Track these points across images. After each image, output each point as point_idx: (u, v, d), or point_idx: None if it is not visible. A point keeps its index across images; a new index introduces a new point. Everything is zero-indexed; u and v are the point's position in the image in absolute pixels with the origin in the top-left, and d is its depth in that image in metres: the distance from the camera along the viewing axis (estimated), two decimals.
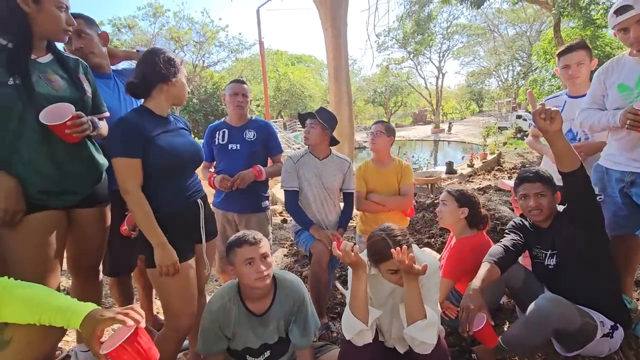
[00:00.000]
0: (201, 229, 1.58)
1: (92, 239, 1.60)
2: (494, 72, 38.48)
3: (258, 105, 29.46)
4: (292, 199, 2.29)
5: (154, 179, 1.44)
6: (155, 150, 1.42)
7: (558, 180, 2.02)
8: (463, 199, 2.03)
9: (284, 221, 5.18)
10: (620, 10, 1.67)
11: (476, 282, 1.62)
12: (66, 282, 2.27)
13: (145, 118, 1.45)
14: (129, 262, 1.91)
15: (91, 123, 1.42)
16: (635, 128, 1.58)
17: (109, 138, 1.47)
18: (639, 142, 1.70)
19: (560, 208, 1.80)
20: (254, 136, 2.35)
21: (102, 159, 1.58)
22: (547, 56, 13.07)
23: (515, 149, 13.23)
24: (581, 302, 1.61)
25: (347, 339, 1.44)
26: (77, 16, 1.72)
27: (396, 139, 2.73)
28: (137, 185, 1.39)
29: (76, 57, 1.54)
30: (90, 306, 1.09)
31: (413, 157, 12.05)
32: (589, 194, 1.64)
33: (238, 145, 2.32)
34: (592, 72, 2.21)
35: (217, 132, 2.37)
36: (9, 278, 1.10)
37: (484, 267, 1.71)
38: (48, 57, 1.41)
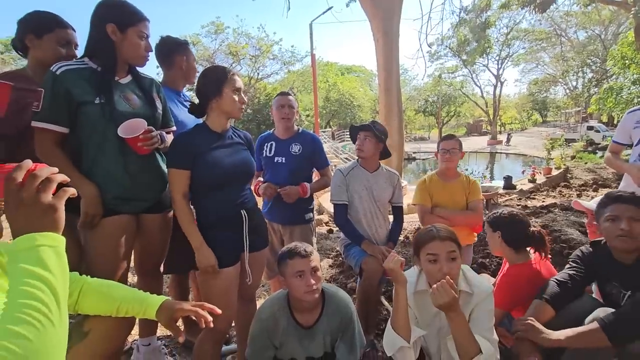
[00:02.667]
0: (245, 239, 1.64)
1: (157, 241, 1.75)
2: (560, 80, 35.42)
3: (308, 116, 30.17)
4: (342, 213, 2.28)
5: (201, 190, 1.57)
6: (201, 164, 1.55)
7: None
8: (495, 222, 1.90)
9: (330, 231, 5.19)
10: None
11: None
12: (131, 278, 2.48)
13: (201, 134, 1.59)
14: (186, 262, 2.04)
15: (160, 137, 1.58)
16: None
17: (168, 151, 1.62)
18: None
19: None
20: (299, 150, 2.38)
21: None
22: (626, 61, 11.75)
23: (586, 163, 11.96)
24: None
25: (389, 355, 1.41)
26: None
27: None
28: (182, 194, 1.54)
29: (151, 78, 1.72)
30: (163, 297, 1.22)
31: (466, 170, 11.44)
32: None
33: (283, 159, 2.36)
34: None
35: (266, 145, 2.44)
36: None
37: (533, 305, 1.58)
38: (128, 78, 1.61)
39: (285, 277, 1.52)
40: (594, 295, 1.77)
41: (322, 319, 1.55)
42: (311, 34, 12.21)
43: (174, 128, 1.83)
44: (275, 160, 2.37)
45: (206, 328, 1.58)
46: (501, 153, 22.81)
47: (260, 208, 2.41)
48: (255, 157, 1.86)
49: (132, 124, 1.48)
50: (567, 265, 1.73)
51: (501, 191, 7.77)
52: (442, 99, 35.25)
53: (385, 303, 2.60)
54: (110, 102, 1.46)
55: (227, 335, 2.25)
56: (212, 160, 1.56)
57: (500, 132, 32.94)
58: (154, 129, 1.53)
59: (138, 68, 1.66)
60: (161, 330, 2.20)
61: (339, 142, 20.30)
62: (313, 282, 1.45)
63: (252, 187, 2.35)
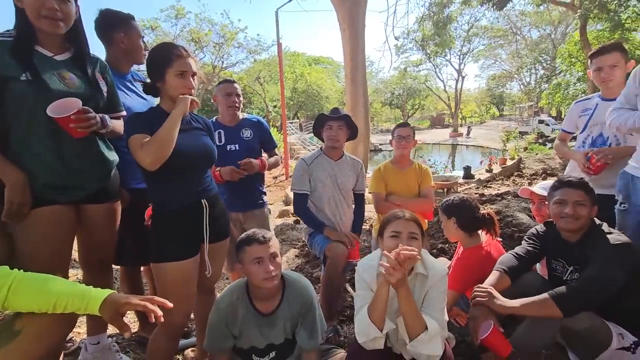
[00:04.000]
0: (205, 229, 1.57)
1: (101, 233, 1.62)
2: (515, 76, 37.55)
3: (275, 106, 29.74)
4: (302, 202, 2.27)
5: (157, 175, 1.44)
6: None
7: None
8: (448, 209, 1.99)
9: (297, 222, 5.18)
10: None
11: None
12: (78, 273, 2.32)
13: (157, 116, 1.47)
14: (138, 254, 1.92)
15: (101, 120, 1.44)
16: None
17: (125, 126, 1.49)
18: None
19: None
20: (250, 134, 2.34)
21: (112, 156, 1.60)
22: (573, 59, 12.65)
23: (537, 154, 12.82)
24: (604, 316, 1.51)
25: (360, 342, 1.42)
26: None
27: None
28: None
29: (97, 57, 1.58)
30: (108, 291, 1.12)
31: (429, 160, 11.85)
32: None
33: (236, 146, 2.30)
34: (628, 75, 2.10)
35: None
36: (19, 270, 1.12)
37: (493, 276, 1.67)
38: (65, 56, 1.45)
39: (243, 265, 1.48)
40: (538, 272, 1.90)
41: (282, 306, 1.53)
42: (277, 22, 11.93)
43: (123, 113, 1.69)
44: (228, 149, 2.30)
45: (161, 322, 1.52)
46: (462, 145, 23.84)
47: None
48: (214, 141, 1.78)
49: (64, 103, 1.33)
50: (524, 242, 1.84)
51: (461, 180, 8.14)
52: (407, 92, 36.20)
53: (350, 290, 2.64)
54: (37, 79, 1.32)
55: (187, 329, 2.17)
56: None
57: (461, 125, 34.38)
58: (90, 109, 1.39)
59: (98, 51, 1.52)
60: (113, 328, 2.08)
61: (307, 133, 20.18)
62: (272, 268, 1.42)
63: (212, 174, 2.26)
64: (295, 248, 4.03)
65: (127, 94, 1.87)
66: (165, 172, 1.46)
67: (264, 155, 2.46)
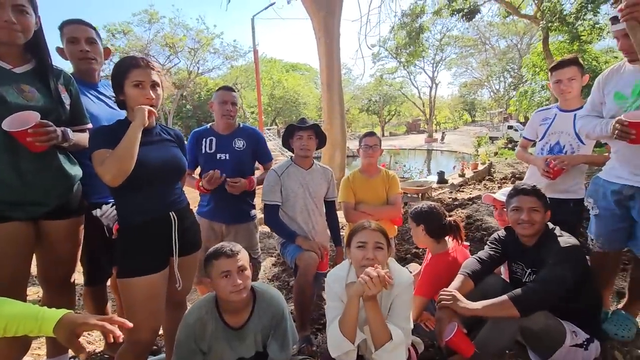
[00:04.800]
0: (174, 242, 1.54)
1: (62, 251, 1.56)
2: (485, 83, 39.16)
3: (252, 112, 29.51)
4: (272, 213, 2.26)
5: (124, 189, 1.41)
6: None
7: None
8: (417, 216, 2.03)
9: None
10: (612, 20, 1.70)
11: None
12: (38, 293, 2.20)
13: (123, 128, 1.43)
14: (106, 270, 1.87)
15: (62, 133, 1.39)
16: (624, 138, 1.56)
17: (88, 142, 1.44)
18: (634, 156, 1.68)
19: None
20: (243, 145, 2.29)
21: (74, 170, 1.54)
22: (537, 69, 13.33)
23: (506, 159, 13.36)
24: (559, 315, 1.60)
25: (333, 356, 1.44)
26: (89, 25, 1.81)
27: (390, 147, 2.77)
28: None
29: (60, 69, 1.53)
30: (63, 311, 1.07)
31: (405, 166, 12.10)
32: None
33: (227, 155, 2.25)
34: (584, 87, 2.25)
35: (204, 140, 2.29)
36: None
37: (457, 280, 1.74)
38: (25, 68, 1.40)
39: (211, 278, 1.46)
40: (502, 276, 1.98)
41: (252, 319, 1.52)
42: (253, 28, 11.93)
43: (89, 125, 1.63)
44: (218, 157, 2.25)
45: (128, 340, 1.47)
46: (437, 150, 24.52)
47: (195, 207, 2.29)
48: (187, 154, 1.75)
49: (21, 117, 1.28)
50: (486, 246, 1.93)
51: (435, 185, 8.35)
52: (383, 98, 36.91)
53: (325, 297, 2.64)
54: None
55: (156, 346, 2.11)
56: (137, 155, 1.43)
57: (436, 131, 35.40)
58: (49, 122, 1.34)
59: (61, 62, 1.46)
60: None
61: None
62: (240, 281, 1.41)
63: (195, 185, 2.20)
64: (272, 256, 4.00)
65: (94, 103, 1.82)
66: (133, 184, 1.42)
67: (259, 168, 2.43)
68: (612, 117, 1.68)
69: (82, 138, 1.54)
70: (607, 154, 2.12)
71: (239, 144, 2.29)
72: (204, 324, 1.48)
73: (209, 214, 2.28)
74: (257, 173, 2.47)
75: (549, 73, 2.30)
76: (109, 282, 2.04)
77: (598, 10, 10.81)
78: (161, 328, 1.70)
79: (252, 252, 2.33)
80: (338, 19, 7.26)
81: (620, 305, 2.05)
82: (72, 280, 1.67)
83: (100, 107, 1.84)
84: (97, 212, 1.69)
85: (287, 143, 2.39)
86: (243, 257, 1.47)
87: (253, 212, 2.41)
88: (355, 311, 1.37)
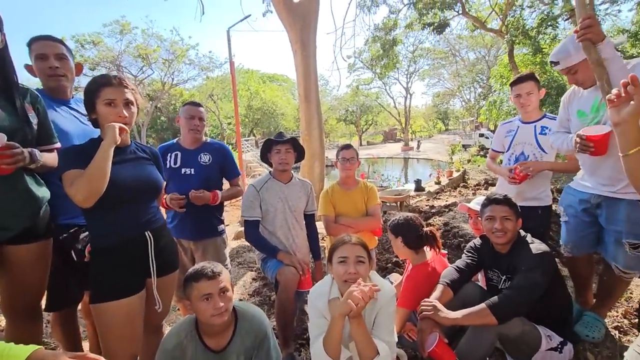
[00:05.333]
0: (151, 263, 1.49)
1: (29, 277, 1.47)
2: (457, 93, 40.69)
3: (230, 124, 29.23)
4: (253, 229, 2.23)
5: (96, 209, 1.36)
6: None
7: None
8: (395, 229, 2.08)
9: None
10: (551, 63, 1.87)
11: None
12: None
13: (96, 147, 1.39)
14: (72, 295, 1.76)
15: (30, 154, 1.34)
16: (585, 152, 1.72)
17: (58, 162, 1.40)
18: (599, 167, 1.81)
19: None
20: (209, 160, 2.28)
21: (42, 192, 1.48)
22: (503, 79, 14.00)
23: (479, 166, 13.87)
24: (534, 320, 1.67)
25: None
26: (59, 41, 1.75)
27: (368, 156, 2.81)
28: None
29: (27, 87, 1.47)
30: (32, 347, 0.98)
31: (383, 175, 12.30)
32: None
33: (192, 170, 2.23)
34: (542, 100, 2.40)
35: (169, 155, 2.26)
36: None
37: (438, 290, 1.79)
38: None
39: (191, 301, 1.42)
40: (479, 283, 2.04)
41: (234, 340, 1.48)
42: (229, 40, 11.90)
43: (57, 145, 1.57)
44: (183, 172, 2.22)
45: None
46: (413, 158, 25.10)
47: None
48: (162, 170, 1.71)
49: None
50: (463, 255, 1.99)
51: (412, 193, 8.52)
52: (360, 108, 37.54)
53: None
54: None
55: None
56: (110, 175, 1.38)
57: (411, 139, 36.28)
58: (16, 144, 1.28)
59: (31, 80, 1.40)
60: None
61: None
62: (222, 304, 1.38)
63: (159, 201, 2.15)
64: (252, 271, 3.93)
65: (65, 119, 1.75)
66: (106, 204, 1.38)
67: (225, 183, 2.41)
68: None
69: (50, 158, 1.48)
70: (566, 161, 2.29)
71: (205, 158, 2.27)
72: (184, 349, 1.43)
73: (175, 231, 2.21)
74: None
75: (510, 88, 2.45)
76: (79, 307, 1.94)
77: (557, 24, 11.57)
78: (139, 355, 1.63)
79: (225, 265, 2.32)
80: (314, 31, 7.38)
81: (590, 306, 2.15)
82: (39, 309, 1.58)
83: (73, 124, 1.78)
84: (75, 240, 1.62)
85: (265, 157, 2.38)
86: (225, 278, 1.44)
87: (221, 226, 2.38)
88: (339, 330, 1.37)
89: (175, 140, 2.35)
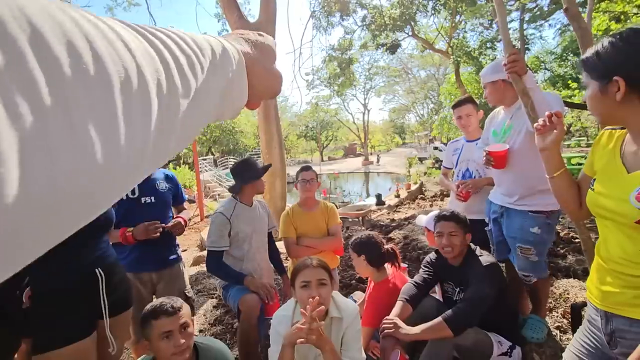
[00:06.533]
0: (102, 302, 1.42)
1: None
2: (411, 109, 42.93)
3: None
4: (217, 259, 2.18)
5: None
6: None
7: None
8: (358, 247, 2.13)
9: None
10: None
11: None
12: None
13: None
14: (7, 346, 1.60)
15: None
16: (488, 164, 2.06)
17: None
18: (501, 180, 2.11)
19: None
20: (165, 187, 2.24)
21: None
22: (452, 96, 15.06)
23: (435, 178, 14.61)
24: (485, 328, 1.78)
25: None
26: None
27: (329, 172, 2.85)
28: None
29: None
30: None
31: (344, 190, 12.53)
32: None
33: (152, 198, 2.16)
34: (481, 121, 2.64)
35: None
36: None
37: (397, 306, 1.86)
38: None
39: (150, 341, 1.35)
40: (436, 296, 2.15)
41: None
42: None
43: None
44: (143, 201, 2.13)
45: None
46: (373, 172, 25.84)
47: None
48: None
49: None
50: (421, 269, 2.09)
51: (374, 208, 8.75)
52: (320, 124, 38.21)
53: None
54: None
55: None
56: None
57: (371, 154, 37.45)
58: None
59: None
60: None
61: (223, 169, 19.57)
62: (182, 341, 1.33)
63: (118, 236, 1.99)
64: (213, 298, 3.78)
65: None
66: None
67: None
68: None
69: None
70: None
71: (162, 185, 2.23)
72: None
73: (134, 266, 2.08)
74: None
75: (452, 110, 2.68)
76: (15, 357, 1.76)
77: (495, 46, 12.76)
78: None
79: (187, 291, 2.26)
80: None
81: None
82: None
83: None
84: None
85: (246, 181, 2.30)
86: (185, 313, 1.39)
87: (178, 251, 2.33)
88: (289, 359, 1.37)
89: None
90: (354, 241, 2.16)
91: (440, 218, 1.96)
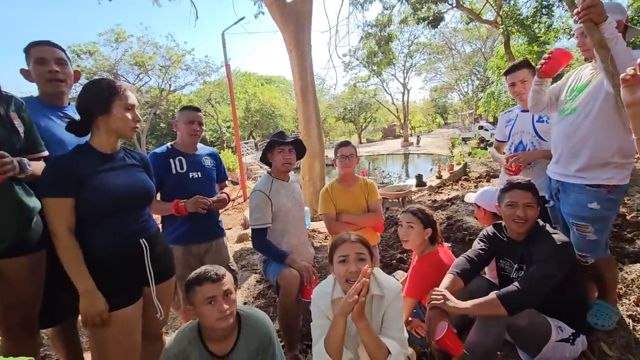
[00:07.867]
0: (148, 270, 1.47)
1: (22, 290, 1.43)
2: (455, 87, 40.59)
3: (229, 127, 29.21)
4: (262, 236, 2.19)
5: (88, 220, 1.34)
6: (88, 190, 1.34)
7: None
8: (427, 220, 2.04)
9: None
10: (574, 22, 1.77)
11: None
12: None
13: (84, 156, 1.38)
14: (67, 308, 1.68)
15: (19, 164, 1.30)
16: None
17: (40, 177, 1.36)
18: (560, 147, 1.92)
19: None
20: (211, 163, 2.33)
21: (33, 202, 1.44)
22: (500, 71, 13.92)
23: (480, 158, 13.80)
24: (545, 312, 1.62)
25: None
26: (59, 47, 1.75)
27: (368, 154, 2.77)
28: (66, 228, 1.32)
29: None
30: None
31: (384, 171, 12.26)
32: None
33: (199, 173, 2.24)
34: None
35: (172, 160, 2.19)
36: None
37: (447, 279, 1.73)
38: None
39: (195, 306, 1.39)
40: (486, 276, 2.00)
41: (239, 345, 1.45)
42: (224, 44, 11.87)
43: (45, 153, 1.54)
44: (191, 176, 2.22)
45: None
46: (413, 154, 25.03)
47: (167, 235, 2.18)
48: (153, 177, 1.68)
49: None
50: (476, 243, 1.92)
51: (414, 189, 8.48)
52: (358, 106, 37.46)
53: None
54: None
55: None
56: (101, 184, 1.37)
57: (411, 135, 36.17)
58: (5, 153, 1.25)
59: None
60: None
61: None
62: (226, 306, 1.35)
63: (171, 208, 2.08)
64: (256, 273, 3.90)
65: (61, 126, 1.71)
66: (98, 214, 1.36)
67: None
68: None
69: (39, 167, 1.44)
70: None
71: (208, 162, 2.32)
72: (187, 356, 1.40)
73: (184, 238, 2.16)
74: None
75: (504, 77, 2.40)
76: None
77: (552, 13, 11.50)
78: None
79: (230, 264, 2.37)
80: (308, 31, 7.35)
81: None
82: (34, 323, 1.53)
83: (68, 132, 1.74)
84: None
85: (265, 157, 2.35)
86: (228, 281, 1.41)
87: (222, 225, 2.43)
88: (341, 331, 1.33)
89: (169, 146, 2.29)
90: (422, 211, 2.06)
91: (513, 186, 1.73)
